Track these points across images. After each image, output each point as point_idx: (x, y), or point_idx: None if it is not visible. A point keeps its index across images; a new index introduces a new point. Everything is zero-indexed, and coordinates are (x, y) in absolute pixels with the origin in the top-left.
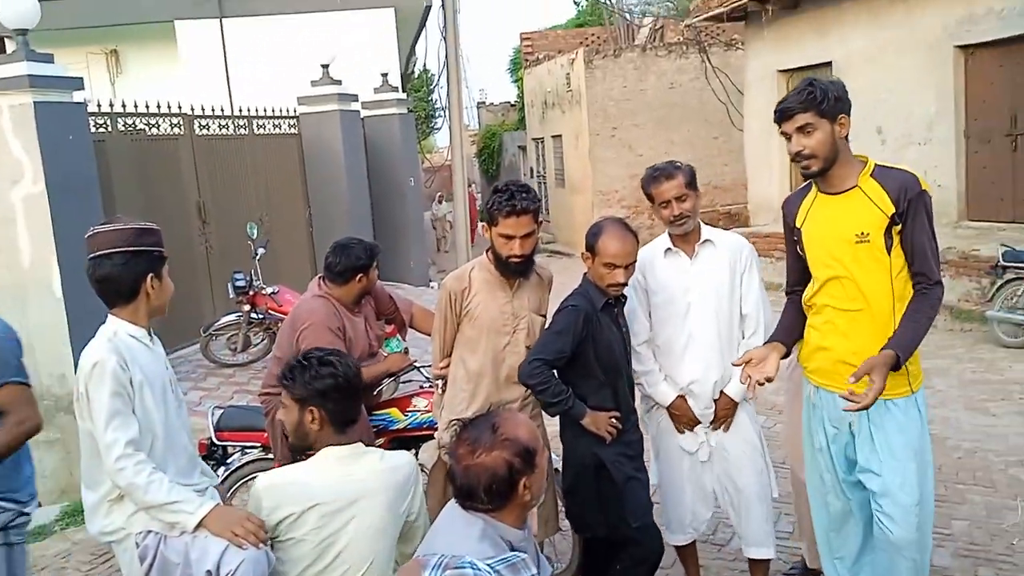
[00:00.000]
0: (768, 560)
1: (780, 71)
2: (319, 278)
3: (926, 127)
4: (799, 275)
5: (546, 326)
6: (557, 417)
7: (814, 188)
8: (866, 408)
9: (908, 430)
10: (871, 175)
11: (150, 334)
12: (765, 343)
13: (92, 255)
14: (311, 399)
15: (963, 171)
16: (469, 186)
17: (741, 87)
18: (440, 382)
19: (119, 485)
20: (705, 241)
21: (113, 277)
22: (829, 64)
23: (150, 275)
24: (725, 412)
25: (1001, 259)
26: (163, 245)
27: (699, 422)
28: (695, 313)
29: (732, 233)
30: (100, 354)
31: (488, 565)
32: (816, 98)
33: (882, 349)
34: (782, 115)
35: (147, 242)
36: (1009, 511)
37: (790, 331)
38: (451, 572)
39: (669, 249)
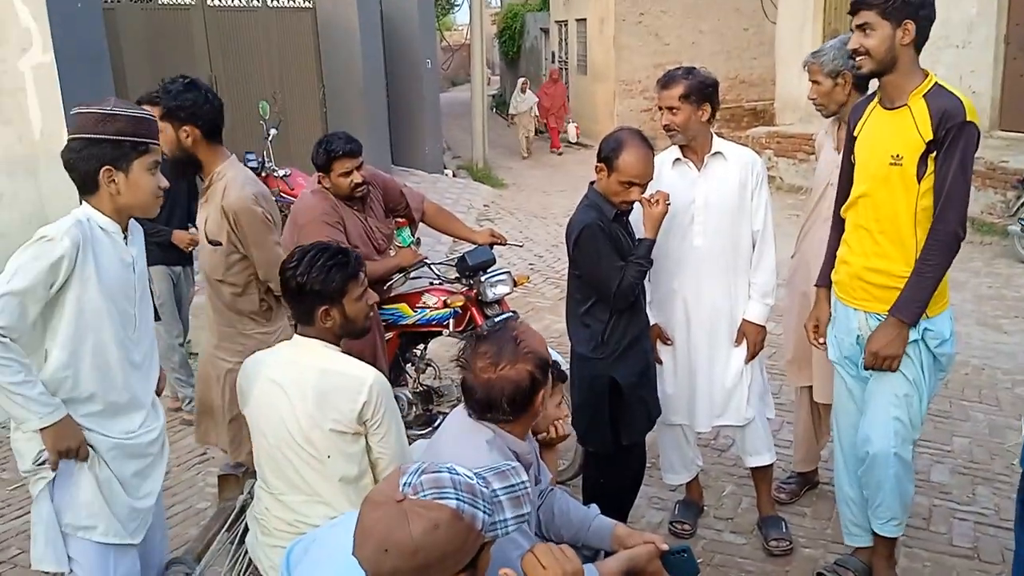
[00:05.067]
0: (769, 465)
1: None
2: (319, 173)
3: (966, 29)
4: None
5: (578, 255)
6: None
7: (876, 97)
8: (874, 367)
9: (922, 352)
10: (924, 95)
11: (125, 232)
12: (818, 286)
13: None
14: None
15: (1000, 78)
16: (555, 63)
17: None
18: None
19: None
20: (715, 153)
21: (69, 166)
22: None
23: (104, 168)
24: (756, 340)
25: None
26: (140, 135)
27: (668, 341)
28: (699, 225)
29: (744, 148)
30: (58, 233)
31: (475, 472)
32: None
33: (889, 312)
34: (851, 8)
35: (107, 130)
36: (1012, 431)
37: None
38: (428, 476)
39: (678, 159)
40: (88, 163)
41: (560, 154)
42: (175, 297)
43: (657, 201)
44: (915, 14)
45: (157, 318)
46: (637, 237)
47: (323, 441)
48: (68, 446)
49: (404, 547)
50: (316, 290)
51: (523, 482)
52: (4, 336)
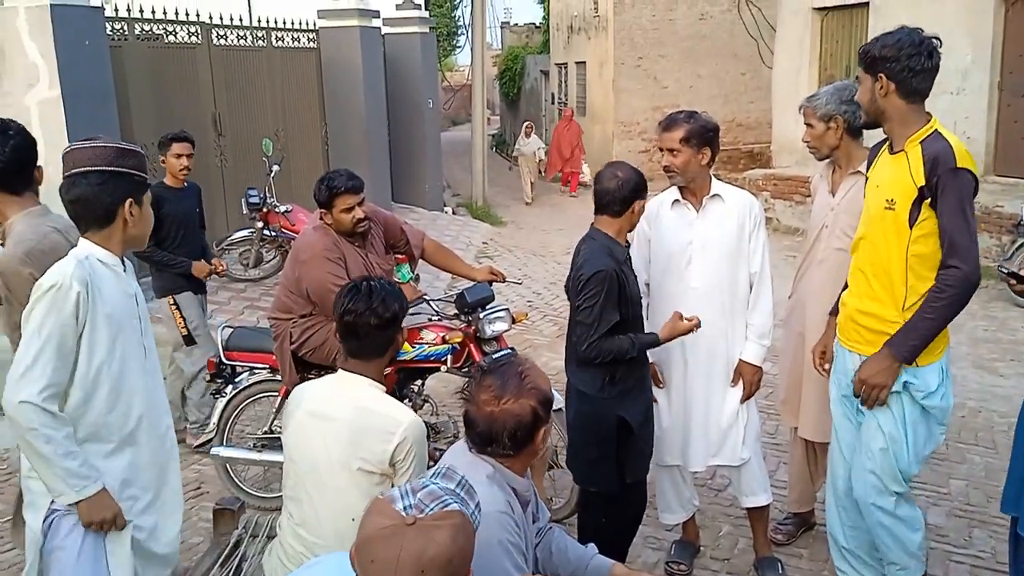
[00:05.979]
0: (765, 506)
1: (815, 8)
2: (321, 209)
3: (960, 76)
4: None
5: (582, 291)
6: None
7: (887, 143)
8: (861, 396)
9: (905, 406)
10: (920, 140)
11: (123, 263)
12: (830, 315)
13: (67, 173)
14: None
15: (994, 124)
16: (555, 103)
17: (774, 22)
18: None
19: (14, 421)
20: (714, 195)
21: (87, 198)
22: (867, 4)
23: (128, 200)
24: (752, 381)
25: None
26: (146, 170)
27: (661, 385)
28: (696, 266)
29: (742, 190)
30: (64, 278)
31: (429, 481)
32: (861, 53)
33: (884, 343)
34: None
35: (128, 164)
36: None
37: None
38: (422, 493)
39: (677, 200)
40: (113, 195)
41: (575, 196)
42: None
43: (691, 319)
44: (886, 67)
45: (191, 342)
46: (647, 331)
47: (349, 481)
48: (103, 518)
49: (440, 559)
50: (398, 319)
51: (462, 475)
52: (52, 401)
